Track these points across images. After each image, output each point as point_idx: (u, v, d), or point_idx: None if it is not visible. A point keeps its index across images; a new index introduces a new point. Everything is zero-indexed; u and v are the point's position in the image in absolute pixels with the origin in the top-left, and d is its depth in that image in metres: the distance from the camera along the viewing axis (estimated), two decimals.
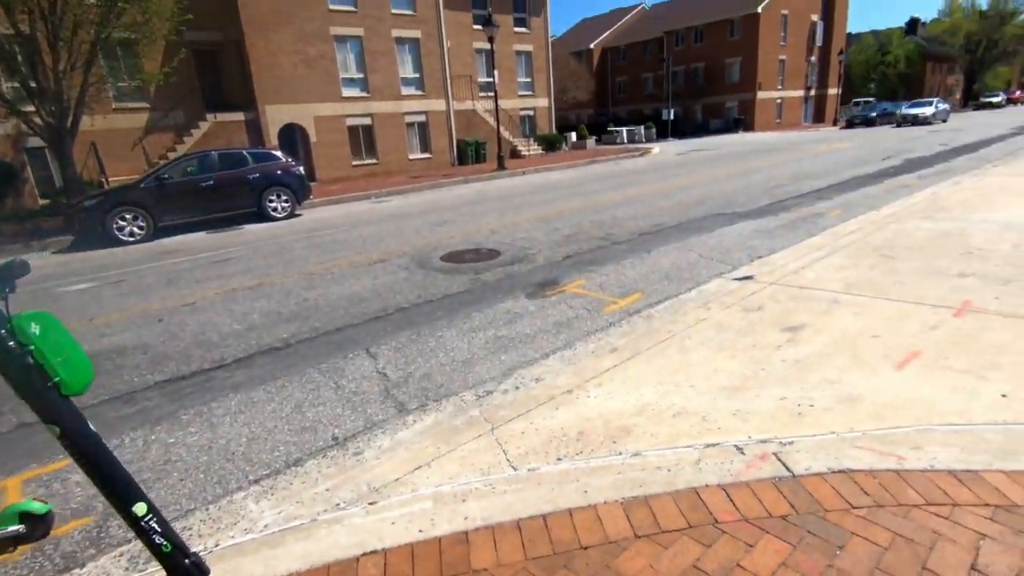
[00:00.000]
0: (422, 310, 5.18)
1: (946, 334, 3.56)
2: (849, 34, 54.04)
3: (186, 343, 4.78)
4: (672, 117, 40.22)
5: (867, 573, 1.71)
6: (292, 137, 20.69)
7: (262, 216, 12.37)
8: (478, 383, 3.61)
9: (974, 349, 3.32)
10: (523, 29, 28.32)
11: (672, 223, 8.31)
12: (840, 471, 2.20)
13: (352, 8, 20.79)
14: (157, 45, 13.75)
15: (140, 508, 1.34)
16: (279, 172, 12.60)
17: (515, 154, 26.28)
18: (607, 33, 54.54)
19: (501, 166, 20.20)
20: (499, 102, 21.77)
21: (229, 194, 11.96)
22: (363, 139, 22.19)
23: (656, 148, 28.23)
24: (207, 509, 2.55)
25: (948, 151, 15.68)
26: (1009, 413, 2.64)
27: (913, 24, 62.46)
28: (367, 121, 22.03)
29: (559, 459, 2.63)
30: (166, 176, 11.19)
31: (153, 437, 3.25)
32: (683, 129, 45.00)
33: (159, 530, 1.37)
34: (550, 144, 28.52)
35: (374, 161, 22.53)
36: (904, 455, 2.29)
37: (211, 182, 11.67)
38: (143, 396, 3.82)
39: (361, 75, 21.58)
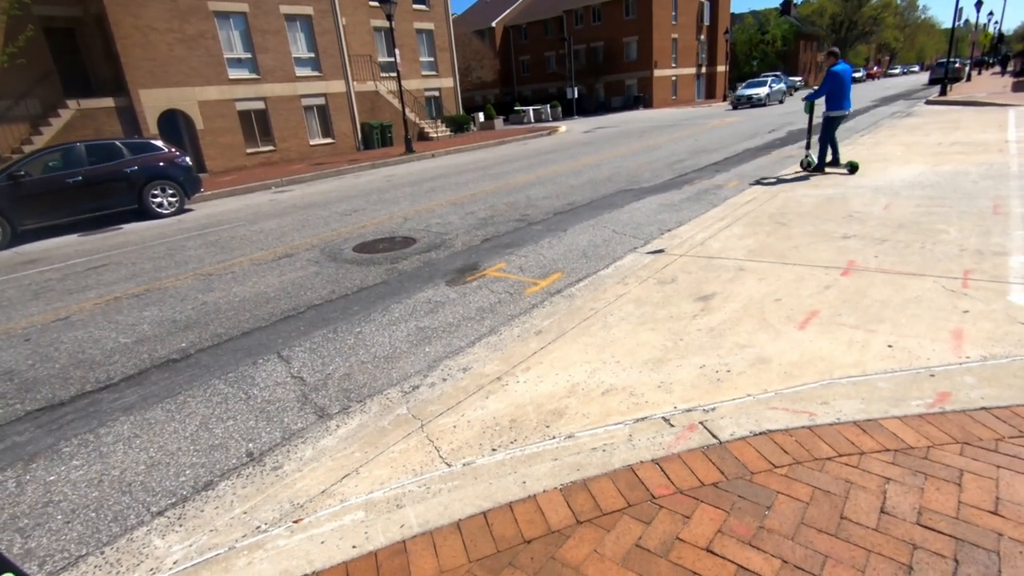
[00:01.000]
0: (336, 306, 4.91)
1: (837, 293, 3.87)
2: (733, 14, 57.49)
3: (62, 364, 4.21)
4: (576, 96, 40.95)
5: (794, 529, 1.81)
6: (175, 125, 18.84)
7: (145, 214, 11.19)
8: (403, 378, 3.47)
9: (861, 305, 3.63)
10: (422, 6, 27.46)
11: (584, 201, 8.45)
12: (761, 433, 2.31)
13: None
14: None
15: None
16: (162, 164, 11.41)
17: (423, 136, 25.65)
18: (508, 11, 54.26)
19: (409, 149, 19.63)
20: (403, 83, 21.05)
21: (102, 191, 10.68)
22: (257, 125, 20.66)
23: (563, 127, 28.65)
24: (102, 552, 2.25)
25: None
26: (895, 362, 2.90)
27: (787, 5, 67.48)
28: (260, 105, 20.50)
29: (494, 450, 2.58)
30: (21, 173, 9.77)
31: (28, 476, 2.83)
32: (587, 107, 46.04)
33: None
34: (458, 125, 28.10)
35: (271, 148, 21.08)
36: (814, 411, 2.45)
37: (79, 178, 10.33)
38: (12, 430, 3.31)
39: (249, 55, 19.98)
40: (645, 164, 11.95)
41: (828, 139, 8.43)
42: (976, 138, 10.27)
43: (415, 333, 4.14)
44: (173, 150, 11.87)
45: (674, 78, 48.09)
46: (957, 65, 31.86)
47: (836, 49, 8.55)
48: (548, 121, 36.55)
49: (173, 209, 11.54)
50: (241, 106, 19.97)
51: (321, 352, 3.96)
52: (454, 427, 2.81)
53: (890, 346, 3.07)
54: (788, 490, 1.97)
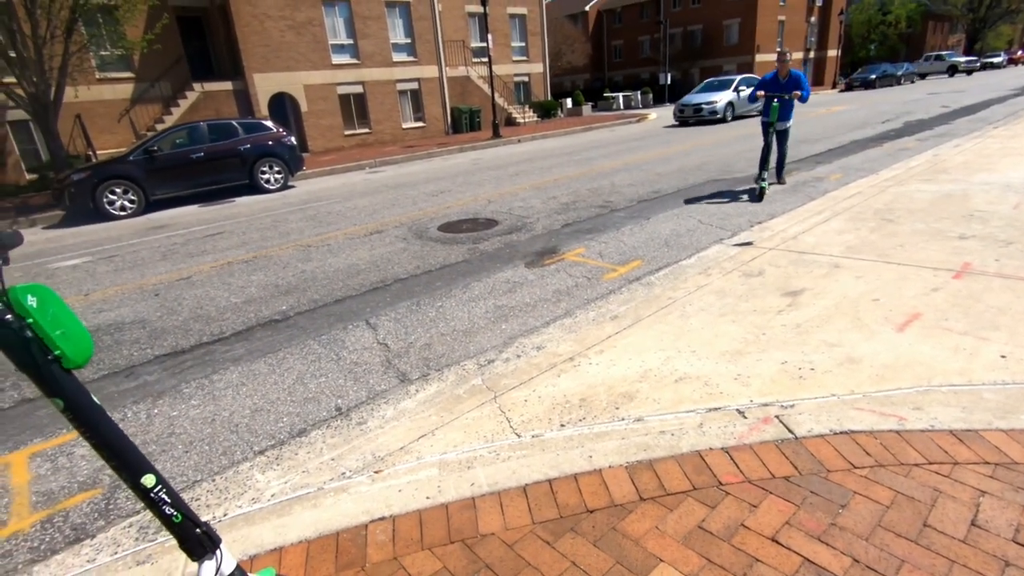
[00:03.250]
0: (420, 280, 5.15)
1: (946, 296, 3.56)
2: None
3: (184, 317, 4.75)
4: (669, 81, 39.50)
5: (869, 530, 1.74)
6: (283, 107, 20.24)
7: (254, 188, 12.19)
8: (479, 352, 3.61)
9: (974, 311, 3.32)
10: None
11: (671, 190, 8.22)
12: (842, 432, 2.22)
13: None
14: (138, 11, 13.28)
15: (149, 480, 1.34)
16: (270, 143, 12.36)
17: (510, 121, 25.84)
18: None
19: (496, 134, 19.88)
20: (493, 68, 21.28)
21: (220, 166, 11.76)
22: (355, 108, 21.74)
23: (653, 114, 27.78)
24: (213, 480, 2.57)
25: (948, 113, 15.49)
26: (1007, 373, 2.65)
27: None
28: (359, 89, 21.54)
29: (563, 425, 2.65)
30: (155, 148, 10.96)
31: (156, 411, 3.26)
32: (681, 93, 44.11)
33: (169, 501, 1.37)
34: (545, 111, 28.03)
35: (367, 131, 22.13)
36: (905, 416, 2.31)
37: (201, 154, 11.44)
38: (143, 370, 3.81)
39: (351, 41, 21.00)
40: (739, 153, 11.39)
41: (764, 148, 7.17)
42: None
43: (493, 311, 4.28)
44: (280, 130, 12.80)
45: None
46: None
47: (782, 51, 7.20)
48: (638, 108, 35.55)
49: (279, 185, 12.48)
50: (342, 90, 21.07)
51: (405, 322, 4.20)
52: (525, 401, 2.91)
53: (1004, 356, 2.81)
54: (867, 491, 1.89)
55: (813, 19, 46.78)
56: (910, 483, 1.92)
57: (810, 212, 6.00)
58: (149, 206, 10.97)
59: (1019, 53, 59.73)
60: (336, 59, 20.70)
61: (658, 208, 7.10)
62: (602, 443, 2.39)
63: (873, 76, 35.57)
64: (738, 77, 20.98)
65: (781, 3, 43.49)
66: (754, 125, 14.97)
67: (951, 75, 39.73)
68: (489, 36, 19.36)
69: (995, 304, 3.38)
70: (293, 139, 12.93)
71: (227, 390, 3.41)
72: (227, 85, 18.87)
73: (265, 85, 19.22)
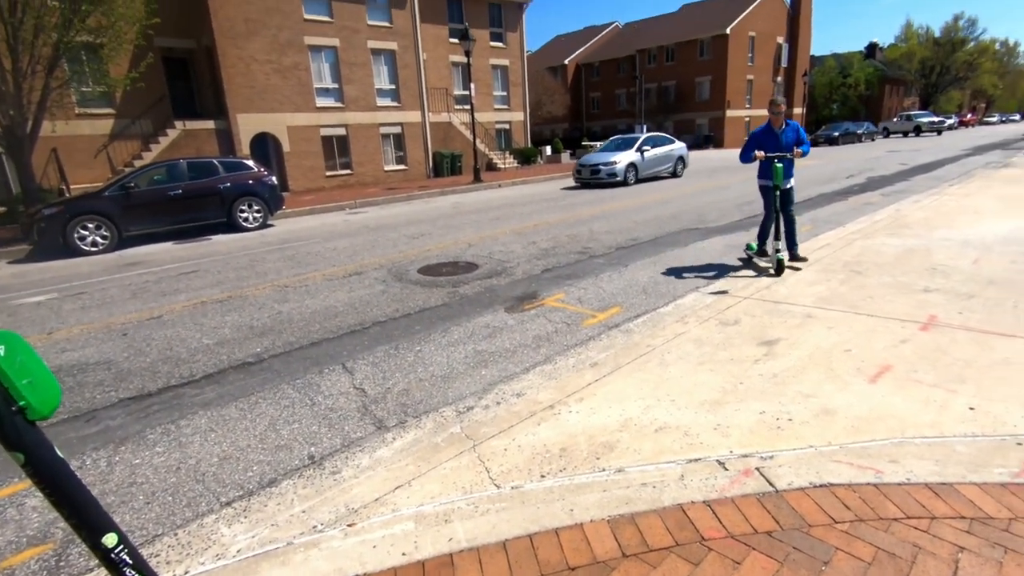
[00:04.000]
0: (400, 324, 5.11)
1: (915, 348, 3.66)
2: (812, 56, 56.11)
3: (152, 358, 4.60)
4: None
5: None
6: (264, 147, 20.35)
7: (232, 227, 12.09)
8: (458, 399, 3.56)
9: (942, 363, 3.42)
10: (499, 44, 28.58)
11: (648, 237, 8.41)
12: (822, 485, 2.22)
13: (328, 18, 20.69)
14: (124, 50, 13.39)
15: (111, 539, 1.26)
16: (251, 182, 12.35)
17: (491, 167, 26.37)
18: (581, 50, 55.49)
19: (477, 179, 20.23)
20: (475, 115, 21.85)
21: (198, 204, 11.67)
22: (337, 150, 21.98)
23: None
24: (176, 534, 2.44)
25: (907, 170, 16.34)
26: (976, 426, 2.72)
27: (872, 48, 65.21)
28: (341, 132, 21.84)
29: (543, 476, 2.60)
30: (132, 184, 10.84)
31: (117, 458, 3.10)
32: None
33: (131, 563, 1.28)
34: (526, 157, 28.72)
35: (348, 172, 22.31)
36: (882, 468, 2.33)
37: (179, 191, 11.35)
38: (106, 414, 3.65)
39: (336, 85, 21.43)
40: (713, 203, 11.77)
41: (765, 217, 6.32)
42: None
43: (472, 356, 4.25)
44: (261, 169, 12.83)
45: (747, 119, 47.25)
46: None
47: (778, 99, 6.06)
48: None
49: (257, 224, 12.40)
50: (325, 132, 21.34)
51: (383, 366, 4.13)
52: (505, 450, 2.86)
53: (972, 408, 2.88)
54: (848, 547, 1.88)
55: (779, 79, 49.53)
56: (890, 539, 1.92)
57: None
58: (123, 242, 10.76)
59: (968, 116, 63.90)
60: (320, 102, 21.05)
61: (636, 255, 7.24)
62: (583, 496, 2.35)
63: (836, 134, 37.69)
64: (643, 136, 18.40)
65: (749, 63, 46.03)
66: (669, 187, 15.47)
67: (918, 134, 42.07)
68: (472, 85, 19.95)
69: (961, 357, 3.48)
70: (274, 178, 12.95)
71: (194, 436, 3.28)
72: (209, 124, 18.96)
73: (248, 125, 19.36)
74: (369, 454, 2.96)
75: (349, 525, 2.32)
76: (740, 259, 6.23)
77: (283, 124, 20.14)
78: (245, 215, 12.25)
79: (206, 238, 11.50)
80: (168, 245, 10.87)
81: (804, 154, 5.87)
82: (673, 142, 19.33)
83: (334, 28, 20.84)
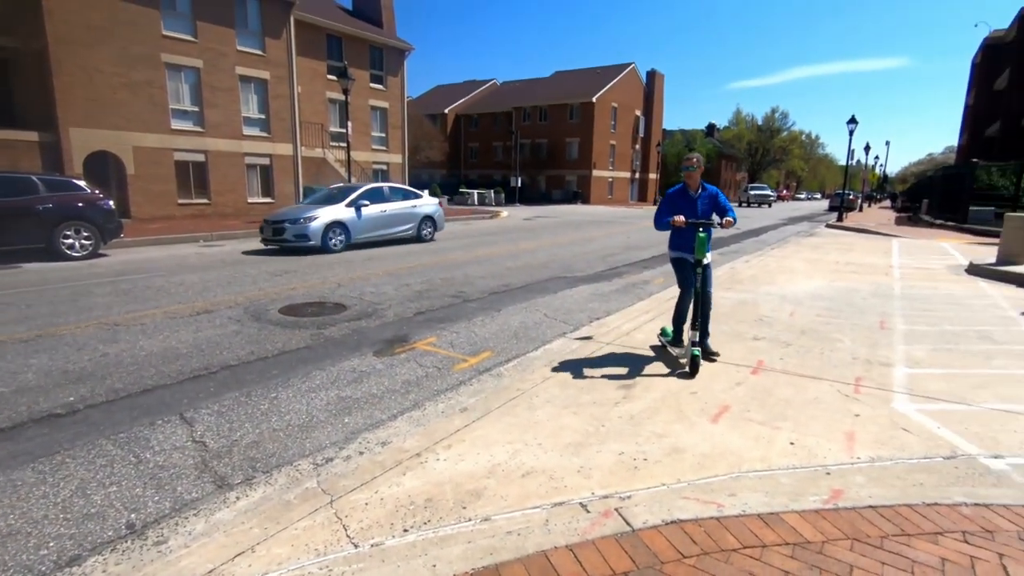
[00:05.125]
0: (254, 368, 4.66)
1: (747, 390, 4.12)
2: (664, 130, 63.63)
3: None
4: (519, 184, 43.10)
5: None
6: (103, 167, 18.02)
7: (53, 254, 10.39)
8: (317, 449, 3.29)
9: (768, 403, 3.87)
10: (379, 86, 28.64)
11: (520, 284, 8.69)
12: (672, 522, 2.36)
13: (191, 38, 19.29)
14: None
15: None
16: (80, 204, 10.78)
17: None
18: (461, 101, 57.50)
19: None
20: (352, 154, 21.42)
21: (8, 226, 9.90)
22: (194, 176, 20.14)
23: (505, 212, 29.78)
24: None
25: (740, 234, 18.86)
26: (796, 458, 3.09)
27: (711, 128, 75.78)
28: (200, 157, 20.12)
29: (406, 530, 2.46)
30: None
31: None
32: (529, 196, 48.31)
33: None
34: None
35: (205, 201, 20.49)
36: (723, 503, 2.54)
37: None
38: None
39: (196, 108, 19.84)
40: (580, 255, 12.55)
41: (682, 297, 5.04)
42: (867, 261, 11.60)
43: (335, 402, 3.98)
44: (96, 191, 11.31)
45: (610, 179, 51.77)
46: (851, 197, 36.43)
47: (690, 156, 4.91)
48: (491, 205, 37.92)
49: (85, 252, 10.80)
50: (180, 156, 19.51)
51: (230, 416, 3.71)
52: (366, 504, 2.67)
53: (792, 443, 3.27)
54: None
55: (637, 147, 55.28)
56: (730, 568, 2.07)
57: (639, 311, 6.71)
58: None
59: (784, 192, 76.08)
60: (177, 124, 19.31)
61: (508, 300, 7.41)
62: (448, 548, 2.25)
63: None
64: (364, 187, 13.92)
65: (612, 130, 50.86)
66: (540, 237, 16.54)
67: (750, 204, 48.33)
68: (349, 123, 19.63)
69: (783, 397, 3.98)
70: (111, 203, 11.46)
71: None
72: (31, 136, 16.43)
73: (83, 141, 17.10)
74: (205, 518, 2.59)
75: None
76: (653, 347, 5.17)
77: (129, 144, 18.08)
78: (70, 242, 10.61)
79: (15, 266, 9.73)
80: None
81: (733, 222, 4.85)
82: (417, 196, 15.21)
83: (197, 48, 19.46)
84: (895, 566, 2.09)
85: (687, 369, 4.51)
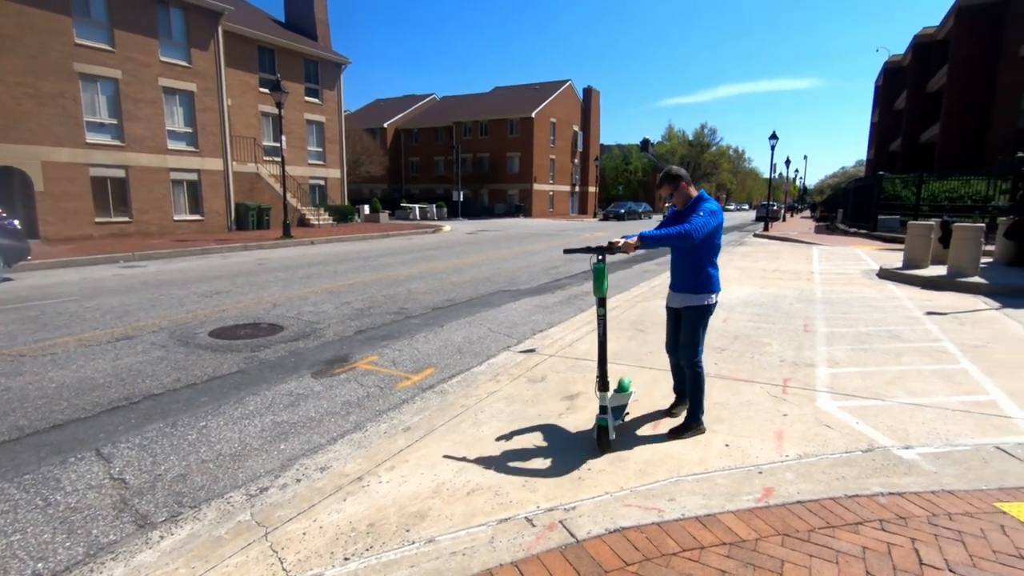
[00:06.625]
0: (181, 396, 4.39)
1: None
2: (602, 144, 65.59)
3: None
4: (461, 199, 43.18)
5: None
6: (8, 184, 16.63)
7: None
8: (251, 480, 3.13)
9: (705, 407, 4.01)
10: (315, 99, 28.02)
11: (463, 298, 8.65)
12: (615, 530, 2.39)
13: (107, 47, 18.21)
14: None
15: None
16: None
17: (304, 223, 25.06)
18: (401, 115, 57.10)
19: (287, 234, 19.01)
20: (288, 169, 20.81)
21: None
22: (113, 193, 18.91)
23: (448, 226, 29.68)
24: None
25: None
26: (731, 460, 3.21)
27: (645, 143, 78.67)
28: (120, 173, 18.93)
29: (347, 559, 2.37)
30: None
31: None
32: (471, 211, 48.46)
33: None
34: (342, 215, 27.96)
35: (127, 219, 19.26)
36: (663, 508, 2.60)
37: None
38: None
39: (115, 121, 18.69)
40: (523, 268, 12.66)
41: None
42: (791, 267, 12.33)
43: (270, 428, 3.81)
44: None
45: (551, 193, 52.70)
46: (775, 208, 38.79)
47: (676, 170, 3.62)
48: (434, 220, 37.74)
49: None
50: (96, 172, 18.30)
51: (153, 449, 3.47)
52: (304, 534, 2.56)
53: (727, 445, 3.41)
54: None
55: (576, 161, 56.63)
56: (670, 572, 2.12)
57: (581, 322, 6.82)
58: None
59: None
60: (92, 138, 18.12)
61: (452, 316, 7.36)
62: (391, 574, 2.18)
63: (622, 211, 44.29)
64: None
65: (552, 145, 51.90)
66: (484, 251, 16.66)
67: None
68: (283, 137, 19.06)
69: (718, 400, 4.14)
70: (16, 222, 10.58)
71: None
72: None
73: None
74: (125, 561, 2.41)
75: None
76: None
77: (37, 159, 16.79)
78: None
79: None
80: None
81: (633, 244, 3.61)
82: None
83: (116, 58, 18.40)
84: (821, 557, 2.20)
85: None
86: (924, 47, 36.83)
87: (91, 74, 17.89)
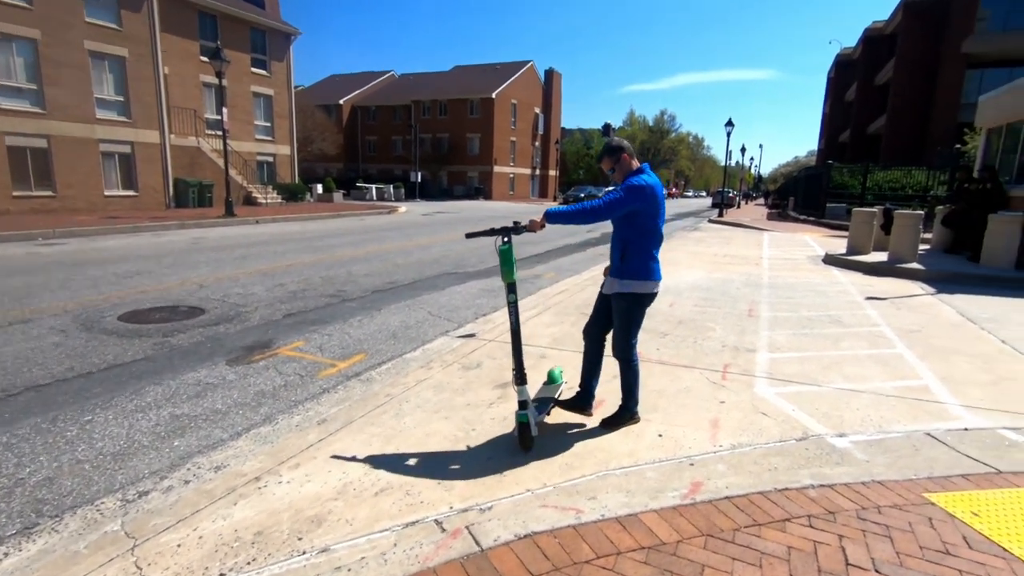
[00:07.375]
0: (71, 386, 3.94)
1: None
2: (564, 128, 65.34)
3: None
4: (420, 180, 42.29)
5: None
6: None
7: None
8: (131, 482, 2.77)
9: (642, 394, 3.82)
10: (262, 71, 26.63)
11: (407, 281, 8.29)
12: (526, 536, 2.16)
13: (23, 3, 16.65)
14: None
15: None
16: None
17: (250, 201, 23.93)
18: (357, 92, 55.24)
19: (230, 212, 18.05)
20: (233, 144, 19.73)
21: None
22: (33, 165, 17.48)
23: (403, 207, 28.95)
24: None
25: None
26: (663, 451, 3.04)
27: (607, 128, 78.81)
28: (41, 143, 17.49)
29: (223, 575, 2.07)
30: None
31: None
32: (430, 192, 47.56)
33: None
34: (292, 194, 26.85)
35: (49, 194, 17.87)
36: (582, 508, 2.39)
37: None
38: None
39: (34, 86, 17.20)
40: (474, 250, 12.33)
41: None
42: (742, 252, 12.45)
43: (167, 422, 3.43)
44: None
45: (512, 175, 52.24)
46: (731, 195, 39.52)
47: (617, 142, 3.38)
48: (391, 200, 36.80)
49: None
50: (13, 141, 16.85)
51: (21, 449, 3.05)
52: (178, 546, 2.23)
53: (660, 435, 3.24)
54: None
55: (537, 144, 56.23)
56: None
57: (527, 306, 6.59)
58: None
59: (674, 190, 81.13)
60: (7, 103, 16.64)
61: (392, 299, 7.01)
62: None
63: (582, 195, 44.22)
64: None
65: (512, 127, 51.31)
66: (434, 233, 16.56)
67: None
68: (224, 109, 17.99)
69: (656, 388, 3.98)
70: None
71: None
72: None
73: None
74: None
75: None
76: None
77: None
78: None
79: None
80: None
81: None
82: None
83: (33, 17, 16.87)
84: (744, 560, 2.04)
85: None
86: (874, 40, 37.95)
87: (5, 33, 16.35)
